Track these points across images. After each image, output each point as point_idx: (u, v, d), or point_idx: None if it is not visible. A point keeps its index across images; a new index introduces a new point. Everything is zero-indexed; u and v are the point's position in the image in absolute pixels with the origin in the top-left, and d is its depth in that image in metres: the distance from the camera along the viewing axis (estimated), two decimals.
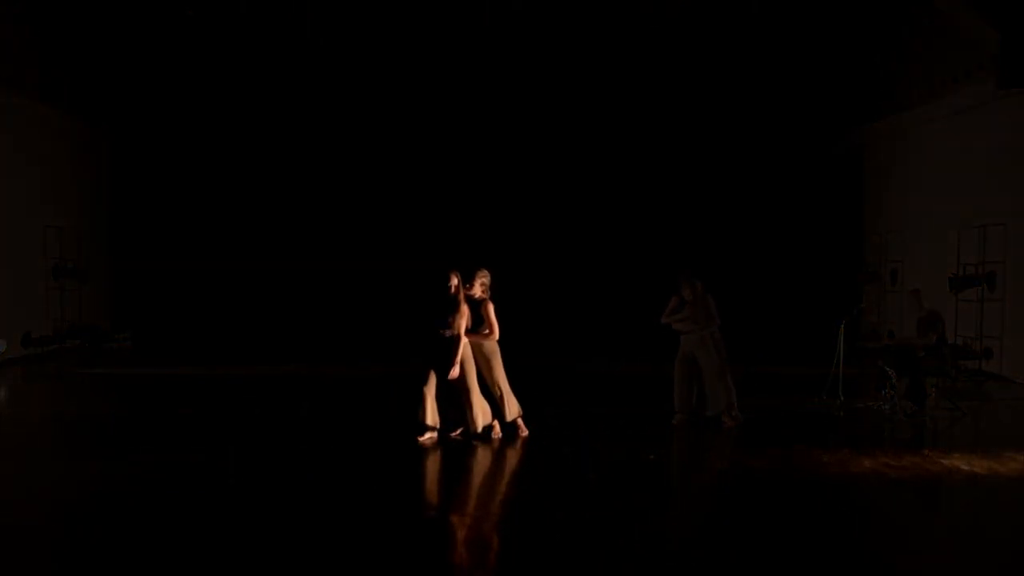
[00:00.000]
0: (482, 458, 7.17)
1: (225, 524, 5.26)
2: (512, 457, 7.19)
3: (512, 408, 7.64)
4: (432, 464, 7.03)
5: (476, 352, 7.54)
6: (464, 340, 7.39)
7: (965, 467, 6.68)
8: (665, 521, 5.49)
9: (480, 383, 7.54)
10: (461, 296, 7.45)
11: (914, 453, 7.15)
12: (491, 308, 7.61)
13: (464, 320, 7.39)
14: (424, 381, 7.39)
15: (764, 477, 6.44)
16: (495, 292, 7.67)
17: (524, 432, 7.73)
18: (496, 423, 7.65)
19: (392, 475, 6.61)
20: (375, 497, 5.91)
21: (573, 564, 4.59)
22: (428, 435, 7.47)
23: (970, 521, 5.65)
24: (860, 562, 4.74)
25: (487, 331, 7.57)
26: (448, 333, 7.31)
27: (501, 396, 7.61)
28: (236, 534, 5.07)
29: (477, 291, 7.60)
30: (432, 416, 7.44)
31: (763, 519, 5.45)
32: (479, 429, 7.51)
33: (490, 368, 7.60)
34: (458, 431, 7.75)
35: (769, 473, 6.55)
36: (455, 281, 7.48)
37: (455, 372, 7.30)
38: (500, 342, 7.65)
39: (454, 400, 7.48)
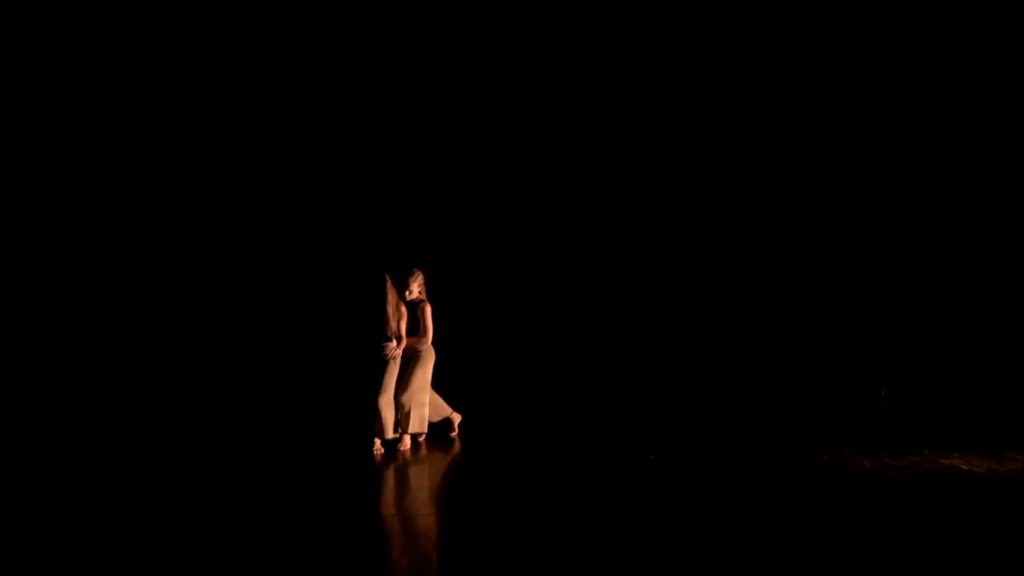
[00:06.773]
0: (479, 458, 7.16)
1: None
2: (508, 456, 7.18)
3: (416, 423, 7.36)
4: (423, 465, 7.01)
5: (409, 355, 7.34)
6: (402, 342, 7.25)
7: (965, 467, 6.66)
8: (664, 521, 5.47)
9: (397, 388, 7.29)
10: (392, 298, 7.22)
11: (914, 453, 7.14)
12: (428, 310, 7.41)
13: (402, 322, 7.23)
14: (380, 392, 7.17)
15: (764, 477, 6.43)
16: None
17: (406, 446, 7.38)
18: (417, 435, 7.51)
19: (380, 476, 6.60)
20: (362, 500, 5.89)
21: (572, 563, 4.57)
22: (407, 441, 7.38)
23: (970, 521, 5.62)
24: (860, 562, 4.71)
25: (421, 335, 7.37)
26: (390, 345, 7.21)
27: (408, 407, 7.33)
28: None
29: (416, 292, 7.45)
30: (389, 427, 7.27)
31: (762, 519, 5.43)
32: (389, 436, 7.25)
33: (412, 374, 7.33)
34: (456, 431, 7.74)
35: (769, 473, 6.53)
36: (388, 283, 7.26)
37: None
38: (437, 344, 7.45)
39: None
